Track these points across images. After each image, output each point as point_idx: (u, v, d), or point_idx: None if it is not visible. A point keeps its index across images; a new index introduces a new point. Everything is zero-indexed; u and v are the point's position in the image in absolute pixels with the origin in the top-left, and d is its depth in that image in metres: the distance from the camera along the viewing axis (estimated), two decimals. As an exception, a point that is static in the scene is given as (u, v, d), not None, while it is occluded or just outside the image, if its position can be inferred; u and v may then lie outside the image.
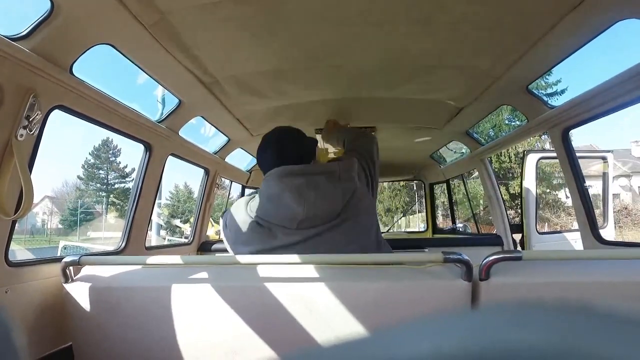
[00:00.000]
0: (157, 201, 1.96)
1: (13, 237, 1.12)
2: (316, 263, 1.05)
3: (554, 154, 1.87)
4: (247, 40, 1.30)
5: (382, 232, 1.45)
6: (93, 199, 30.49)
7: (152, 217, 1.93)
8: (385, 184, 14.35)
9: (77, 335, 1.13)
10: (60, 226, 29.33)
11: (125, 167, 30.25)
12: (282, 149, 1.32)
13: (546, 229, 10.76)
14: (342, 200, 1.22)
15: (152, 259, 1.09)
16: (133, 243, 1.71)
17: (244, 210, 1.28)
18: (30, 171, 1.08)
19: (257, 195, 1.31)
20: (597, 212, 2.62)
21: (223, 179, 2.95)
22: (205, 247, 2.50)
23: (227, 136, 2.41)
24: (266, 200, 1.24)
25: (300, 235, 1.19)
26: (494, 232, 2.69)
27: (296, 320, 1.00)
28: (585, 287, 0.97)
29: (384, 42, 1.34)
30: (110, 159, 30.43)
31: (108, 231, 26.11)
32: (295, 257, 1.04)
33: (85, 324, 1.10)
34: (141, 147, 1.73)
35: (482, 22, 1.20)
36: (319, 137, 2.11)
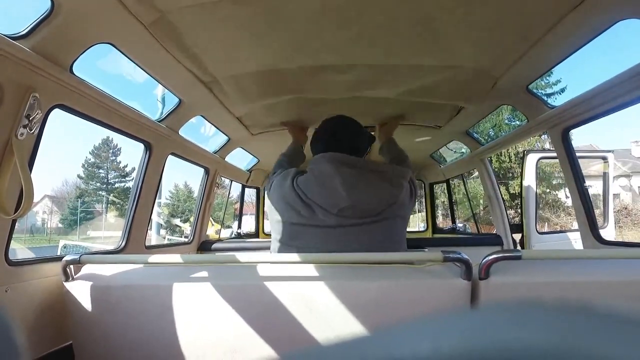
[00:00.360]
0: (157, 200, 1.96)
1: (13, 236, 1.12)
2: (316, 262, 1.05)
3: (554, 154, 1.87)
4: (247, 39, 1.30)
5: None
6: (93, 198, 30.50)
7: (152, 216, 1.93)
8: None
9: (77, 334, 1.13)
10: (60, 225, 29.33)
11: (126, 166, 30.28)
12: (335, 138, 1.38)
13: (546, 229, 10.77)
14: (387, 202, 1.26)
15: (153, 258, 1.09)
16: (133, 242, 1.71)
17: (290, 180, 1.30)
18: (31, 170, 1.08)
19: (306, 172, 1.34)
20: (597, 212, 2.63)
21: (223, 178, 2.95)
22: (205, 246, 2.50)
23: (227, 135, 2.41)
24: (314, 179, 1.27)
25: (337, 220, 1.23)
26: (494, 232, 2.69)
27: (296, 319, 1.00)
28: (585, 287, 0.97)
29: (384, 42, 1.34)
30: (111, 158, 30.45)
31: (108, 230, 26.11)
32: (295, 256, 1.04)
33: (85, 323, 1.10)
34: (141, 146, 1.73)
35: (482, 22, 1.20)
36: None
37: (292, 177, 1.31)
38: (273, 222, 1.36)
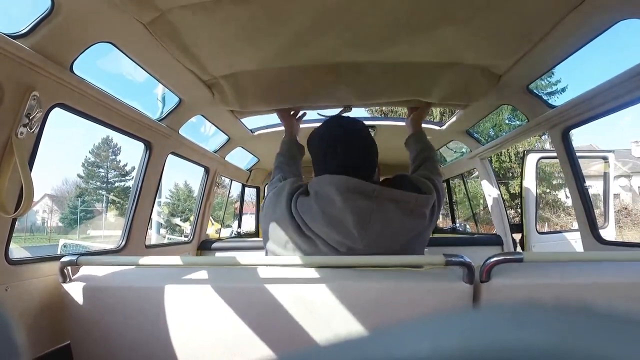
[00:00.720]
0: (157, 200, 1.96)
1: (13, 235, 1.12)
2: (317, 265, 1.04)
3: (554, 154, 1.87)
4: (247, 39, 1.30)
5: None
6: (93, 197, 30.52)
7: (152, 216, 1.94)
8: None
9: (75, 334, 1.13)
10: (60, 224, 29.37)
11: (125, 165, 30.30)
12: (344, 153, 1.12)
13: (546, 229, 10.77)
14: (407, 237, 1.09)
15: (150, 259, 1.08)
16: (133, 241, 1.71)
17: (286, 202, 1.08)
18: (31, 169, 1.08)
19: (307, 191, 1.11)
20: (598, 212, 2.62)
21: (223, 177, 2.95)
22: (205, 245, 2.50)
23: (227, 135, 2.41)
24: (318, 208, 1.03)
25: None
26: (494, 232, 2.69)
27: (296, 321, 1.00)
28: (587, 289, 0.96)
29: (384, 42, 1.33)
30: (111, 157, 30.46)
31: (108, 229, 26.13)
32: (295, 259, 1.04)
33: (83, 323, 1.10)
34: (141, 145, 1.73)
35: (483, 23, 1.20)
36: None
37: (287, 196, 1.09)
38: (268, 251, 1.16)
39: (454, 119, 2.23)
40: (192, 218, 2.67)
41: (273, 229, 1.11)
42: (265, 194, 1.28)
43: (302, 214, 1.05)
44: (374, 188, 1.04)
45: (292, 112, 1.80)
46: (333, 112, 1.89)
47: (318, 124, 1.23)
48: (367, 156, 1.16)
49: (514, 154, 17.92)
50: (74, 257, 1.10)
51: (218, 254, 2.40)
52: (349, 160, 1.12)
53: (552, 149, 1.99)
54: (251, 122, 2.33)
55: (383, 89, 1.70)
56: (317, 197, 1.05)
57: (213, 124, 2.15)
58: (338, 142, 1.14)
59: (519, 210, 3.02)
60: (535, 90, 1.77)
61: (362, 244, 1.03)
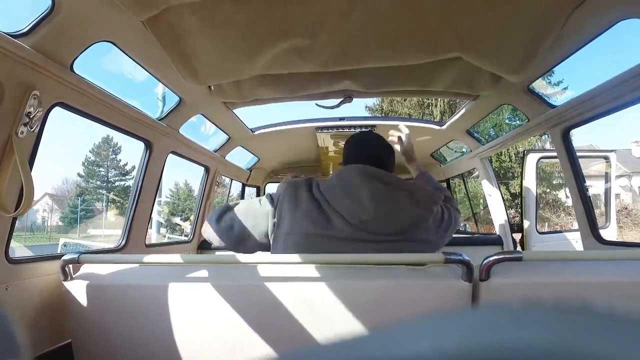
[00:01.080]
0: (157, 199, 1.96)
1: (13, 234, 1.12)
2: (317, 263, 1.04)
3: (555, 154, 1.87)
4: (247, 40, 1.29)
5: None
6: (93, 197, 30.52)
7: (152, 215, 1.94)
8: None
9: (76, 333, 1.13)
10: (60, 223, 29.38)
11: (126, 164, 30.29)
12: (371, 153, 1.32)
13: (546, 229, 10.77)
14: (411, 222, 1.18)
15: (151, 258, 1.09)
16: (133, 240, 1.71)
17: (307, 188, 1.22)
18: (31, 168, 1.08)
19: (329, 179, 1.25)
20: (599, 212, 2.62)
21: (223, 177, 2.95)
22: (205, 245, 2.50)
23: (227, 134, 2.41)
24: (340, 186, 1.19)
25: (354, 233, 1.15)
26: (494, 232, 2.69)
27: (296, 319, 1.00)
28: (586, 288, 0.97)
29: (385, 45, 1.33)
30: (111, 157, 30.46)
31: (108, 229, 26.14)
32: (295, 257, 1.04)
33: (84, 322, 1.10)
34: (142, 144, 1.73)
35: (484, 24, 1.20)
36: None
37: (307, 185, 1.23)
38: (278, 236, 1.20)
39: (454, 118, 2.23)
40: (192, 217, 2.67)
41: (291, 209, 1.19)
42: (261, 206, 1.24)
43: (323, 192, 1.20)
44: (390, 176, 1.20)
45: None
46: (332, 102, 1.90)
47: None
48: (385, 161, 1.34)
49: (514, 154, 17.91)
50: (75, 255, 1.10)
51: (218, 253, 2.40)
52: (370, 160, 1.27)
53: (552, 148, 1.99)
54: (251, 121, 2.34)
55: (384, 83, 1.70)
56: (338, 179, 1.21)
57: (213, 123, 2.15)
58: (363, 147, 1.36)
59: (519, 210, 3.02)
60: (535, 90, 1.77)
61: (373, 215, 1.13)
